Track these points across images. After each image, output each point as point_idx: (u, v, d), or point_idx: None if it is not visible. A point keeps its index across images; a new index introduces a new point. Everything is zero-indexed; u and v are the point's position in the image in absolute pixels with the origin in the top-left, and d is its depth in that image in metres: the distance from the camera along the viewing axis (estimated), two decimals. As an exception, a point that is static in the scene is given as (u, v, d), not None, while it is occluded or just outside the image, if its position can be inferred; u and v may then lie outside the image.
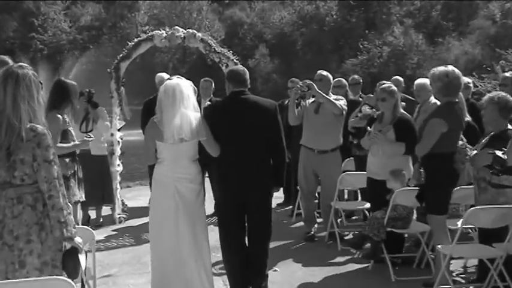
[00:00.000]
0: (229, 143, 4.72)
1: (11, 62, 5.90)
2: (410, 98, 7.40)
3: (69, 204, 3.40)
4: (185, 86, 4.57)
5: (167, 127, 4.47)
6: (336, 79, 8.00)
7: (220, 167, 4.82)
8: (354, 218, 8.19)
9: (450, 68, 5.08)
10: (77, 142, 5.57)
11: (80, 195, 5.86)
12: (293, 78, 8.49)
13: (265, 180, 4.80)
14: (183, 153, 4.59)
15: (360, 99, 7.75)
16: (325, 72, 7.01)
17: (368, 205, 6.75)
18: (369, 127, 6.03)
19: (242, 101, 4.79)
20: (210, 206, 7.99)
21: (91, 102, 7.59)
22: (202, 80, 8.30)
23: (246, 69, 5.00)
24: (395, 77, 7.93)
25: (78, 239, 3.35)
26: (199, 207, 4.71)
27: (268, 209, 4.92)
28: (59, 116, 5.45)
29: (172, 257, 4.60)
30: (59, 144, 5.37)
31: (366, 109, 6.94)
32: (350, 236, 7.09)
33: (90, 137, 5.70)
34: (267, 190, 4.86)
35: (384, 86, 5.98)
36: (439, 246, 5.01)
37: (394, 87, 5.95)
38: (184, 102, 4.50)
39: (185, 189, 4.61)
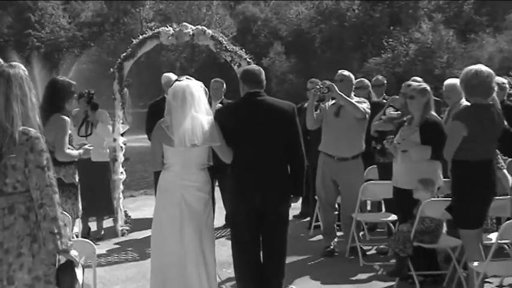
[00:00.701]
0: (244, 149, 4.76)
1: (1, 61, 6.04)
2: (436, 98, 7.33)
3: (67, 214, 3.39)
4: (196, 88, 4.62)
5: (177, 132, 4.52)
6: (358, 79, 7.99)
7: (234, 174, 4.86)
8: (377, 231, 8.17)
9: (479, 66, 5.06)
10: (80, 151, 5.62)
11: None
12: (312, 79, 8.50)
13: (282, 189, 4.82)
14: (192, 160, 4.65)
15: (384, 101, 7.75)
16: (346, 72, 7.03)
17: (393, 217, 6.73)
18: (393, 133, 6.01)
19: (258, 103, 4.83)
20: (220, 218, 8.13)
21: (91, 104, 7.63)
22: (212, 80, 8.31)
23: (261, 69, 5.04)
24: (414, 78, 7.87)
25: (74, 252, 3.32)
26: (207, 218, 4.74)
27: (285, 220, 4.94)
28: (66, 117, 5.49)
29: (174, 269, 4.62)
30: (68, 151, 5.43)
31: (391, 112, 6.92)
32: (373, 251, 7.07)
33: (90, 145, 5.77)
34: (285, 199, 4.88)
35: (414, 84, 5.95)
36: (472, 263, 4.96)
37: (427, 86, 5.93)
38: (195, 105, 4.56)
39: (192, 198, 4.65)
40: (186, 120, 4.51)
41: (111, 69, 8.01)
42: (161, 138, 4.63)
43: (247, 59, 7.95)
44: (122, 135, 8.08)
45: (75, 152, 5.53)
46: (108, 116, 7.80)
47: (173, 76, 7.27)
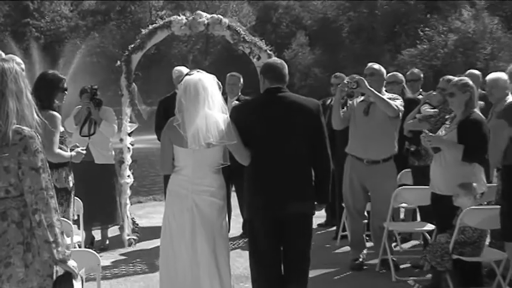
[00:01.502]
0: (263, 150, 4.79)
1: (3, 54, 6.03)
2: (483, 91, 7.26)
3: (65, 220, 3.39)
4: (209, 82, 4.64)
5: (190, 131, 4.55)
6: (391, 73, 7.97)
7: (251, 178, 4.89)
8: (411, 242, 8.10)
9: None
10: (72, 153, 5.63)
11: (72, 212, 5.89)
12: (337, 73, 8.47)
13: (305, 195, 4.85)
14: (205, 161, 4.69)
15: (419, 97, 7.68)
16: (377, 66, 6.99)
17: (429, 227, 6.70)
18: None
19: (279, 99, 4.86)
20: (237, 226, 8.23)
21: (94, 101, 7.66)
22: (228, 74, 8.32)
23: (284, 63, 5.07)
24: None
25: (72, 263, 3.33)
26: (221, 227, 4.77)
27: (309, 229, 4.97)
28: (56, 114, 5.53)
29: (185, 283, 4.63)
30: (59, 151, 5.45)
31: (427, 109, 6.86)
32: (407, 265, 7.02)
33: (83, 148, 5.76)
34: (308, 206, 4.90)
35: (455, 79, 5.93)
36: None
37: (468, 80, 5.90)
38: (209, 102, 4.58)
39: (205, 204, 4.69)
40: (199, 118, 4.54)
41: (118, 62, 8.00)
42: (172, 138, 4.67)
43: (268, 51, 7.91)
44: (130, 134, 8.05)
45: (66, 153, 5.54)
46: (114, 114, 7.83)
47: (185, 70, 7.28)
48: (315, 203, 4.94)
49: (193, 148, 4.58)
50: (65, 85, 5.84)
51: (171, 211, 4.75)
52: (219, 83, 4.83)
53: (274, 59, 5.34)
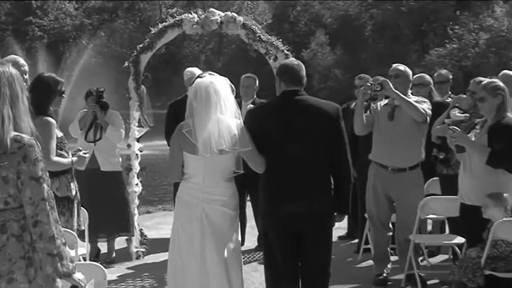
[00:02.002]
0: (279, 156, 4.82)
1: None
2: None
3: (68, 231, 3.46)
4: (221, 85, 4.69)
5: (201, 136, 4.60)
6: (417, 75, 7.96)
7: (267, 186, 4.92)
8: (439, 256, 8.04)
9: None
10: (74, 158, 5.61)
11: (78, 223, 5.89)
12: (360, 75, 8.44)
13: (324, 204, 4.87)
14: (217, 169, 4.74)
15: (449, 100, 7.64)
16: (402, 67, 6.97)
17: (459, 240, 6.66)
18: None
19: (296, 103, 4.89)
20: (252, 239, 8.26)
21: (100, 104, 7.67)
22: (243, 76, 8.32)
23: (301, 64, 5.10)
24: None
25: (78, 275, 3.36)
26: (233, 238, 4.80)
27: (328, 242, 4.99)
28: (51, 119, 5.52)
29: None
30: (56, 159, 5.43)
31: (456, 114, 6.83)
32: (435, 281, 6.97)
33: (86, 153, 5.74)
34: (327, 217, 4.93)
35: (484, 82, 5.89)
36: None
37: (499, 83, 5.84)
38: (221, 106, 4.64)
39: (216, 214, 4.73)
40: (210, 123, 4.59)
41: (126, 63, 8.00)
42: (182, 144, 4.71)
43: (285, 51, 7.91)
44: (138, 140, 8.08)
45: (65, 160, 5.52)
46: (121, 118, 7.83)
47: (197, 71, 7.30)
48: (335, 213, 4.96)
49: (204, 155, 4.62)
50: (63, 88, 5.83)
51: (179, 221, 4.79)
52: (232, 86, 4.88)
53: (291, 60, 5.39)
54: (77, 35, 45.80)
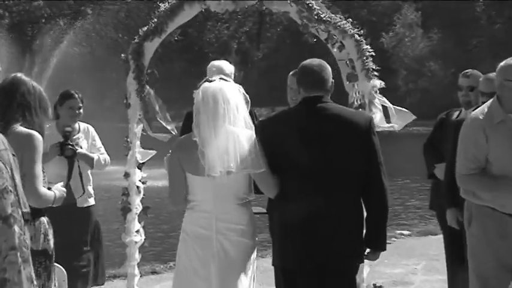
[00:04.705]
0: (294, 177, 4.76)
1: None
2: None
3: None
4: (232, 92, 4.70)
5: (206, 153, 4.61)
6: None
7: (281, 214, 4.87)
8: None
9: None
10: (55, 191, 4.97)
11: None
12: (468, 71, 7.22)
13: (351, 237, 4.81)
14: (230, 192, 4.72)
15: None
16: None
17: None
18: None
19: (318, 112, 4.83)
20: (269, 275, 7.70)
21: (64, 151, 6.81)
22: (291, 74, 7.09)
23: (324, 64, 4.97)
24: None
25: None
26: (250, 272, 4.80)
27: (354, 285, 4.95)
28: (36, 134, 4.88)
29: None
30: (44, 191, 4.78)
31: None
32: None
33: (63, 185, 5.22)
34: (354, 254, 4.85)
35: None
36: None
37: None
38: (231, 116, 4.65)
39: (234, 248, 4.72)
40: (218, 137, 4.63)
41: (123, 55, 6.92)
42: (183, 162, 4.74)
43: (356, 36, 6.76)
44: (140, 167, 7.04)
45: (50, 193, 4.89)
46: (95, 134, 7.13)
47: (227, 66, 6.69)
48: (368, 250, 4.88)
49: (211, 175, 4.60)
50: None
51: (186, 259, 4.74)
52: (247, 96, 4.86)
53: (311, 60, 5.13)
54: (51, 13, 41.83)
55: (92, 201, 7.17)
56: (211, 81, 4.76)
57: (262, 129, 4.98)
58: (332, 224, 4.74)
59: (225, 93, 4.66)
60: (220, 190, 4.68)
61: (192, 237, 4.77)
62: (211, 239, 4.67)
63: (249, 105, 4.85)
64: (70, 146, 6.83)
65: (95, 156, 7.00)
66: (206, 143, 4.60)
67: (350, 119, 4.86)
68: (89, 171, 7.12)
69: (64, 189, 5.14)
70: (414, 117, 6.55)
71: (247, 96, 4.86)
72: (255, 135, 4.74)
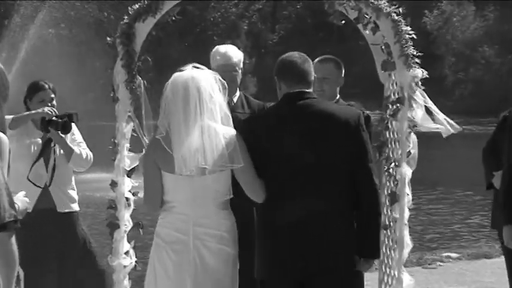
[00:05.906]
0: (281, 181, 4.73)
1: None
2: None
3: None
4: (206, 81, 4.68)
5: (178, 149, 4.61)
6: None
7: (266, 220, 4.83)
8: None
9: None
10: (18, 202, 4.58)
11: None
12: None
13: (341, 245, 4.76)
14: (209, 193, 4.70)
15: None
16: None
17: None
18: None
19: (301, 108, 4.81)
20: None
21: (53, 125, 6.54)
22: (317, 60, 6.52)
23: (305, 56, 4.96)
24: None
25: None
26: (231, 284, 4.74)
27: None
28: (3, 136, 4.56)
29: None
30: (21, 199, 4.61)
31: None
32: None
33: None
34: (345, 262, 4.77)
35: None
36: None
37: None
38: (205, 109, 4.64)
39: (214, 256, 4.66)
40: (190, 132, 4.61)
41: (109, 39, 6.25)
42: (159, 161, 4.71)
43: (393, 15, 6.08)
44: (130, 174, 6.36)
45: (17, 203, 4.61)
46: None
47: (234, 52, 6.45)
48: (361, 258, 4.77)
49: (182, 173, 4.61)
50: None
51: (161, 267, 4.67)
52: (224, 83, 4.79)
53: (291, 53, 5.13)
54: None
55: (75, 207, 6.87)
56: (182, 70, 4.73)
57: (244, 126, 4.98)
58: (320, 229, 4.70)
59: (197, 82, 4.62)
60: (198, 190, 4.65)
61: (164, 242, 4.71)
62: (188, 244, 4.63)
63: (226, 95, 4.76)
64: (58, 119, 6.47)
65: (76, 149, 6.63)
66: (177, 139, 4.56)
67: (337, 114, 4.86)
68: (72, 175, 6.87)
69: (27, 200, 4.67)
70: (460, 129, 5.82)
71: (225, 83, 4.75)
72: (234, 131, 4.69)
